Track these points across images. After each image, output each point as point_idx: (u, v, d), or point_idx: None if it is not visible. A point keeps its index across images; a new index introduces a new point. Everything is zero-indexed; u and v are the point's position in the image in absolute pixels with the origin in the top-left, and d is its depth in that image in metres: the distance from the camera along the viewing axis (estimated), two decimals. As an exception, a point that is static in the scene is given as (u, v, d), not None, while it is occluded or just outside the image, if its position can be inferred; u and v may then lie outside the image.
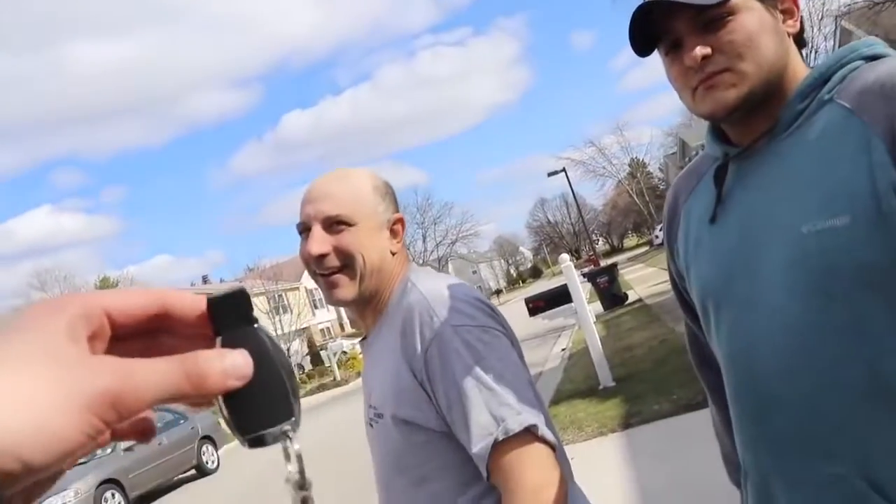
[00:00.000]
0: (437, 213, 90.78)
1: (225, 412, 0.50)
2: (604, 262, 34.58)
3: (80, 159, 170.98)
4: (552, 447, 1.51)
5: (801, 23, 1.44)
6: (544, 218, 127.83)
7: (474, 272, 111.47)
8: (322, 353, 38.05)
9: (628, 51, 1.44)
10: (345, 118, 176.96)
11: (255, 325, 0.51)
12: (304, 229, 1.70)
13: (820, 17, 25.20)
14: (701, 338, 1.66)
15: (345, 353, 36.08)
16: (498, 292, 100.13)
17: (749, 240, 1.38)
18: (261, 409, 0.50)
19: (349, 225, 1.67)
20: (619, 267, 24.91)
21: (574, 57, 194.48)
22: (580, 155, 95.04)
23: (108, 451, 15.46)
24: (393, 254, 1.73)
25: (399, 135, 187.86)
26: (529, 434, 1.48)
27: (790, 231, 1.29)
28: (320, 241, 1.66)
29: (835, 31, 25.66)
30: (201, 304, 0.52)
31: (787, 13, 1.41)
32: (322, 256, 1.66)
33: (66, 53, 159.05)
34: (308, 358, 43.63)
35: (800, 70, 1.40)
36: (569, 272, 10.15)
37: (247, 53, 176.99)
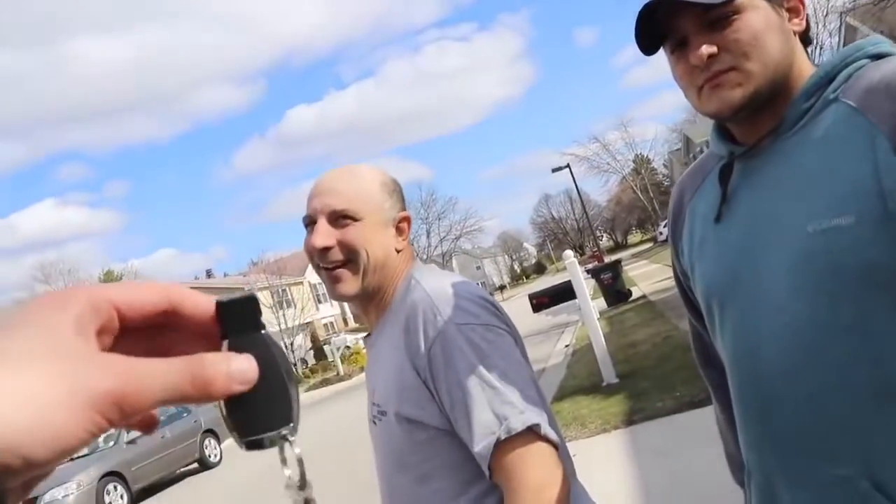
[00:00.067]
0: (441, 208, 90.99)
1: (225, 413, 0.50)
2: (608, 259, 34.55)
3: (83, 154, 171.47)
4: (555, 446, 1.50)
5: (807, 21, 1.44)
6: (548, 214, 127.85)
7: (478, 268, 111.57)
8: (325, 347, 38.03)
9: (632, 47, 1.43)
10: (349, 114, 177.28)
11: (263, 332, 0.52)
12: (310, 222, 1.70)
13: (825, 13, 25.13)
14: (705, 337, 1.65)
15: (348, 347, 36.08)
16: (501, 288, 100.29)
17: (754, 239, 1.37)
18: (261, 413, 0.50)
19: (355, 220, 1.67)
20: (623, 263, 24.91)
21: (578, 53, 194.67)
22: (584, 151, 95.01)
23: (111, 443, 15.51)
24: (398, 251, 1.73)
25: (403, 130, 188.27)
26: (532, 433, 1.48)
27: (795, 230, 1.28)
28: (325, 235, 1.66)
29: (839, 27, 25.62)
30: (209, 306, 0.52)
31: (793, 11, 1.40)
32: (326, 250, 1.66)
33: (71, 50, 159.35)
34: (311, 353, 43.66)
35: (805, 68, 1.39)
36: (573, 268, 10.14)
37: (250, 49, 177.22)
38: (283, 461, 0.52)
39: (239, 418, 0.50)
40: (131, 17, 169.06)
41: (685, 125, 70.56)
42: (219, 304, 0.52)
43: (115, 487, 14.58)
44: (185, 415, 17.15)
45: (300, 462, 0.52)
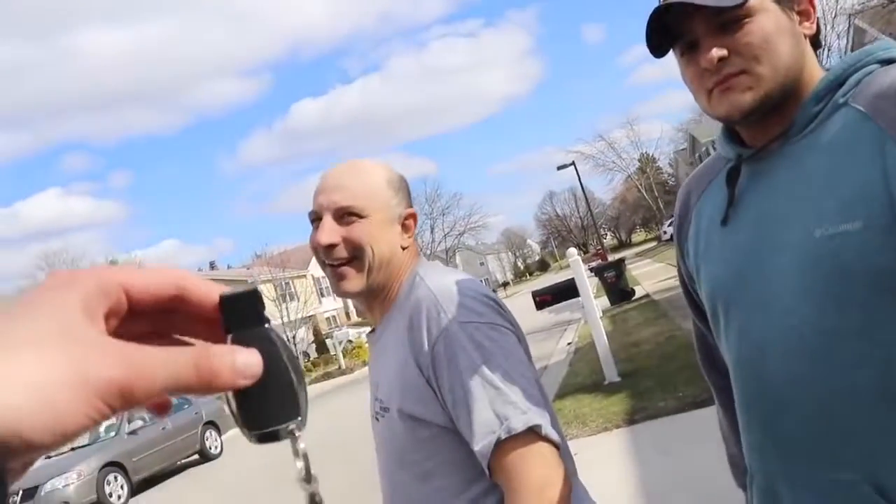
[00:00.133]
0: (445, 203, 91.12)
1: (233, 406, 0.50)
2: (611, 257, 34.55)
3: (89, 144, 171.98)
4: (556, 446, 1.50)
5: (818, 24, 1.43)
6: (553, 211, 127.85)
7: (481, 264, 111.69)
8: (327, 341, 38.06)
9: (640, 45, 1.44)
10: (355, 108, 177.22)
11: (266, 325, 0.52)
12: (316, 218, 1.70)
13: (833, 14, 25.05)
14: (709, 339, 1.65)
15: (350, 341, 36.13)
16: (505, 285, 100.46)
17: (761, 242, 1.37)
18: (268, 406, 0.51)
19: (360, 217, 1.66)
20: (626, 262, 24.86)
21: (585, 50, 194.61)
22: (590, 149, 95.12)
23: (112, 434, 15.56)
24: (403, 248, 1.73)
25: (409, 125, 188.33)
26: (533, 433, 1.48)
27: (803, 234, 1.28)
28: (330, 232, 1.65)
29: (848, 29, 25.54)
30: (217, 294, 0.52)
31: (804, 15, 1.40)
32: (331, 247, 1.66)
33: (76, 41, 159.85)
34: (313, 346, 43.70)
35: (815, 72, 1.39)
36: (576, 266, 10.14)
37: (257, 42, 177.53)
38: (295, 454, 0.52)
39: (245, 411, 0.50)
40: (138, 8, 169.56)
41: (691, 125, 70.64)
42: (222, 299, 0.52)
43: (116, 478, 14.63)
44: (186, 406, 17.18)
45: (305, 456, 0.52)
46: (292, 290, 49.86)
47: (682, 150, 79.01)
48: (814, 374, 1.28)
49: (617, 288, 21.30)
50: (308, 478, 0.52)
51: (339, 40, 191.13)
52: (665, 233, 59.72)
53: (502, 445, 1.47)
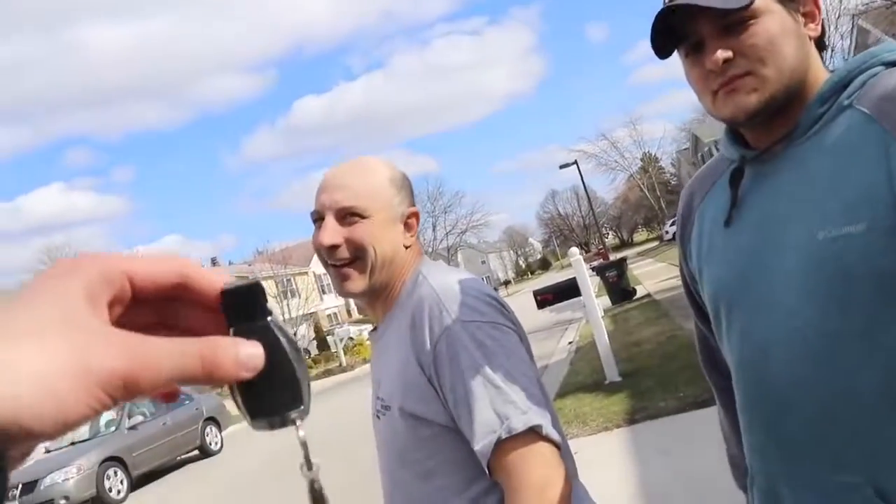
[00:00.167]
0: (447, 201, 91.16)
1: (237, 396, 0.51)
2: (613, 256, 34.52)
3: (92, 139, 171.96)
4: (557, 446, 1.50)
5: (823, 26, 1.43)
6: (555, 210, 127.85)
7: (483, 262, 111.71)
8: (328, 338, 38.05)
9: (643, 44, 1.43)
10: (358, 105, 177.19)
11: (269, 318, 0.52)
12: (318, 218, 1.69)
13: (837, 15, 25.02)
14: (711, 340, 1.65)
15: (351, 339, 36.13)
16: (506, 283, 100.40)
17: (764, 244, 1.37)
18: (271, 396, 0.51)
19: (363, 217, 1.66)
20: (628, 261, 24.87)
21: (588, 49, 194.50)
22: (592, 148, 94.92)
23: (113, 429, 15.57)
24: (406, 247, 1.73)
25: (412, 123, 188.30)
26: (533, 433, 1.48)
27: (806, 236, 1.28)
28: (332, 232, 1.65)
29: (851, 29, 25.54)
30: (219, 283, 0.52)
31: (809, 16, 1.39)
32: (334, 247, 1.65)
33: (79, 35, 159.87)
34: (314, 343, 43.68)
35: (820, 74, 1.38)
36: (578, 266, 10.13)
37: (261, 38, 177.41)
38: (305, 445, 0.53)
39: (250, 401, 0.51)
40: (142, 3, 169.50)
41: (694, 124, 70.49)
42: (224, 292, 0.52)
43: (116, 472, 14.63)
44: (186, 402, 17.18)
45: (304, 445, 0.53)
46: (294, 286, 49.90)
47: (685, 149, 78.98)
48: (816, 376, 1.28)
49: (618, 287, 21.31)
50: (308, 465, 0.53)
51: (342, 37, 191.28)
52: (667, 232, 59.72)
53: (503, 445, 1.47)
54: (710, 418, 2.13)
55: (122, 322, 0.48)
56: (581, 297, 10.38)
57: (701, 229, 1.55)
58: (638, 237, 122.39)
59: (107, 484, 14.28)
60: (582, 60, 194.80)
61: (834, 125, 1.31)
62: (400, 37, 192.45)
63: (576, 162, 49.64)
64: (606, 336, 10.07)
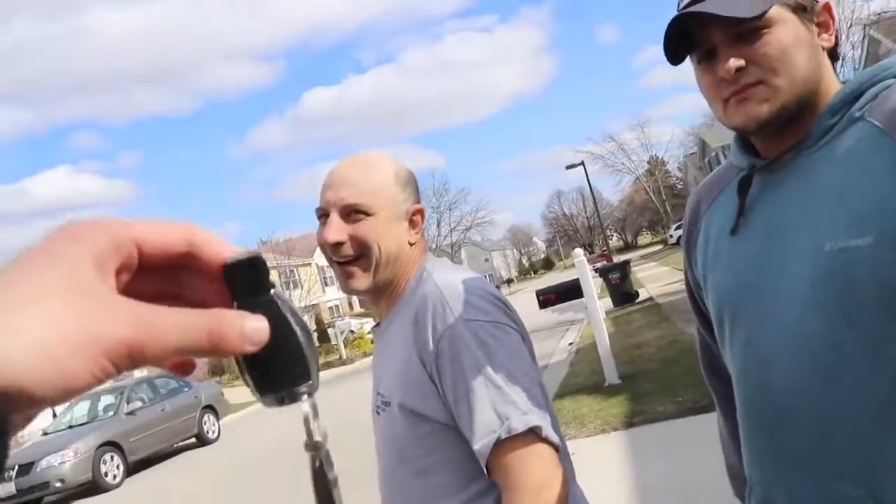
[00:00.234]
0: (453, 198, 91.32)
1: (244, 372, 0.51)
2: (617, 259, 34.53)
3: (99, 123, 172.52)
4: (556, 448, 1.50)
5: (836, 36, 1.42)
6: (560, 210, 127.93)
7: (486, 260, 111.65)
8: (329, 330, 38.04)
9: (653, 47, 1.44)
10: (366, 98, 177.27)
11: (272, 290, 0.52)
12: (323, 214, 1.69)
13: (849, 24, 24.98)
14: (713, 348, 1.64)
15: (352, 332, 36.14)
16: (509, 282, 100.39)
17: (770, 253, 1.36)
18: (278, 371, 0.51)
19: (367, 214, 1.65)
20: (631, 264, 24.88)
21: (598, 50, 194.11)
22: (599, 149, 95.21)
23: (111, 413, 15.60)
24: (411, 244, 1.72)
25: (419, 118, 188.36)
26: (533, 434, 1.48)
27: (813, 247, 1.28)
28: (337, 229, 1.65)
29: (863, 39, 25.48)
30: (227, 252, 0.52)
31: (823, 27, 1.39)
32: (338, 244, 1.65)
33: (89, 20, 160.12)
34: (315, 335, 43.78)
35: (832, 84, 1.38)
36: (582, 267, 10.14)
37: (272, 28, 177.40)
38: (316, 414, 0.53)
39: (257, 376, 0.51)
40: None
41: (702, 129, 70.47)
42: (226, 266, 0.51)
43: (112, 457, 14.67)
44: (185, 389, 17.23)
45: (306, 420, 0.53)
46: (296, 277, 49.95)
47: (692, 154, 78.95)
48: (819, 387, 1.28)
49: (621, 290, 21.32)
50: (310, 441, 0.53)
51: (354, 30, 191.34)
52: (671, 236, 59.79)
53: (502, 445, 1.47)
54: (708, 424, 2.12)
55: (128, 290, 0.48)
56: (583, 299, 10.37)
57: (707, 236, 1.55)
58: (642, 240, 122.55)
59: (103, 468, 14.32)
60: (591, 61, 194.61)
61: (844, 137, 1.30)
62: (411, 32, 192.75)
63: (583, 163, 49.69)
64: (607, 338, 10.08)
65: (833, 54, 1.42)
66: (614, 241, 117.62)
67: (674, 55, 1.41)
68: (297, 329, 0.51)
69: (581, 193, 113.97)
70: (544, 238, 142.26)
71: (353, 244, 1.65)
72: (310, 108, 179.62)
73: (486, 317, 1.57)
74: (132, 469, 15.18)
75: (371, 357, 1.93)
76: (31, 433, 17.73)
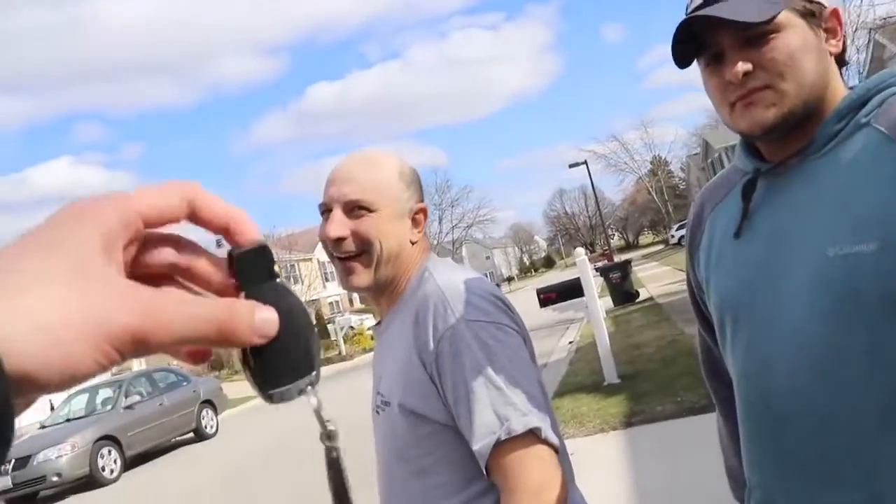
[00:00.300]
0: (455, 195, 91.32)
1: (251, 364, 0.50)
2: (618, 258, 34.55)
3: (102, 114, 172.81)
4: (555, 449, 1.50)
5: (844, 42, 1.42)
6: (562, 209, 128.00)
7: (488, 258, 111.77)
8: (329, 326, 38.05)
9: (658, 46, 1.42)
10: (370, 93, 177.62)
11: (277, 280, 0.51)
12: (326, 210, 1.69)
13: (854, 29, 24.96)
14: (714, 350, 1.64)
15: (352, 328, 36.17)
16: (510, 280, 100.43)
17: (773, 257, 1.36)
18: (282, 365, 0.50)
19: (370, 211, 1.65)
20: (632, 264, 24.89)
21: (604, 49, 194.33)
22: (603, 148, 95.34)
23: (109, 407, 15.58)
24: (413, 243, 1.72)
25: (423, 114, 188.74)
26: (532, 435, 1.47)
27: (816, 252, 1.28)
28: (339, 225, 1.65)
29: (868, 43, 25.45)
30: (224, 213, 0.51)
31: (831, 32, 1.39)
32: (340, 240, 1.65)
33: (95, 9, 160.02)
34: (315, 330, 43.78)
35: (839, 90, 1.38)
36: (583, 266, 10.15)
37: (277, 22, 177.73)
38: (321, 408, 0.53)
39: (259, 371, 0.50)
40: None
41: (705, 130, 70.46)
42: (231, 256, 0.51)
43: (110, 451, 14.64)
44: (184, 384, 17.22)
45: (317, 412, 0.53)
46: (297, 272, 49.99)
47: (695, 154, 78.91)
48: (819, 391, 1.28)
49: (622, 289, 21.35)
50: (322, 427, 0.53)
51: (359, 25, 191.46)
52: (673, 236, 59.73)
53: (501, 446, 1.47)
54: (707, 424, 2.11)
55: (135, 264, 0.48)
56: (584, 298, 10.37)
57: (711, 239, 1.55)
58: (644, 240, 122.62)
59: (100, 463, 14.29)
60: (597, 60, 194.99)
61: (850, 143, 1.30)
62: (416, 28, 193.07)
63: (585, 162, 49.71)
64: (607, 337, 10.09)
65: (840, 60, 1.41)
66: (616, 241, 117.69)
67: (682, 58, 1.41)
68: (304, 320, 0.50)
69: (583, 192, 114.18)
70: (546, 236, 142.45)
71: (355, 240, 1.65)
72: (314, 102, 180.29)
73: (488, 317, 1.56)
74: (129, 464, 15.14)
75: (371, 354, 1.92)
76: (28, 426, 17.70)
